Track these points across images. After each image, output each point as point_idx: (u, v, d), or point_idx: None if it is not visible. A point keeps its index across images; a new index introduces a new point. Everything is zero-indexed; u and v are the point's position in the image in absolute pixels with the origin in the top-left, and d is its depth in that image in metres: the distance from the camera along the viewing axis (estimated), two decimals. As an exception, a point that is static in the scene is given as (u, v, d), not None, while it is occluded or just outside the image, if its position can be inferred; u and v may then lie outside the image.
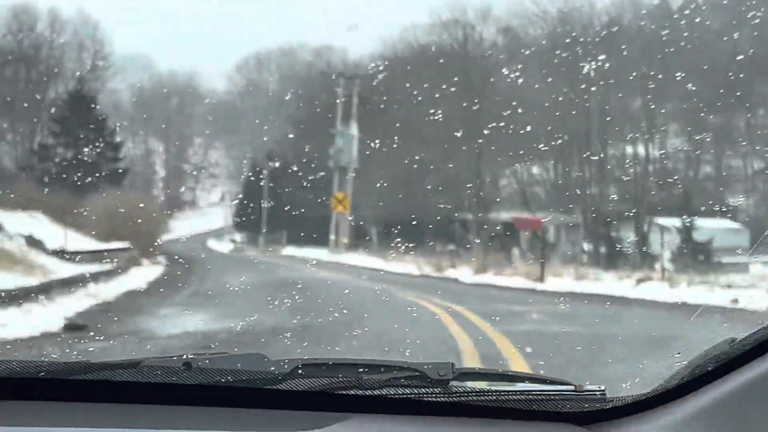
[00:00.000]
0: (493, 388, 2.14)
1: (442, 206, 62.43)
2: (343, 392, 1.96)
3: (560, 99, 69.19)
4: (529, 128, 66.74)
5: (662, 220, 59.93)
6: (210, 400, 1.92)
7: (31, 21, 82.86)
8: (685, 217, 57.72)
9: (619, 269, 32.21)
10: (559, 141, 71.39)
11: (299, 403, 1.94)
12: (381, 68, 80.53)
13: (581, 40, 72.64)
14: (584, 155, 69.40)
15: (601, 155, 67.24)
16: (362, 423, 1.88)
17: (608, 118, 66.13)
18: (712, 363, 1.88)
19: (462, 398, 1.94)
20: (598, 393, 2.04)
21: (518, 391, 2.04)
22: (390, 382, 2.00)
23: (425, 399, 1.96)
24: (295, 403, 1.94)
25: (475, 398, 1.94)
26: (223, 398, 1.93)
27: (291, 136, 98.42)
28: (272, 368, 2.06)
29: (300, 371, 2.04)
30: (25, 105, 78.96)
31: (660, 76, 65.21)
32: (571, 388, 2.10)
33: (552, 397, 1.98)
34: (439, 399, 1.96)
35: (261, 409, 1.93)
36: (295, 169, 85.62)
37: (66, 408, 1.89)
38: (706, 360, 1.89)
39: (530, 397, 1.97)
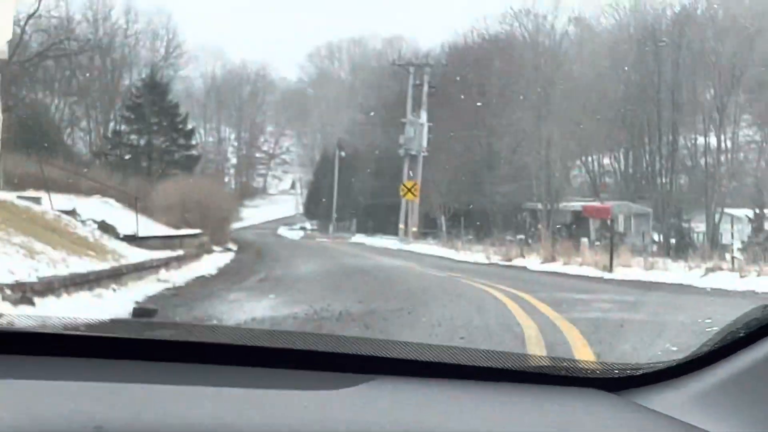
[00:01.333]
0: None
1: (511, 195, 62.24)
2: (365, 353, 1.96)
3: (631, 89, 68.66)
4: (599, 118, 66.33)
5: (733, 210, 59.27)
6: (231, 358, 1.94)
7: (106, 10, 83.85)
8: (756, 207, 57.05)
9: (688, 259, 31.85)
10: (630, 131, 70.83)
11: (321, 363, 1.94)
12: (452, 58, 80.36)
13: (653, 29, 71.94)
14: (655, 145, 68.77)
15: (672, 145, 66.56)
16: (384, 384, 1.87)
17: (679, 109, 65.40)
18: (743, 329, 1.87)
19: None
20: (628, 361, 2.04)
21: (547, 356, 2.04)
22: (417, 346, 2.01)
23: (449, 361, 1.96)
24: (317, 364, 1.94)
25: (502, 362, 1.95)
26: (243, 357, 1.94)
27: (361, 124, 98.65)
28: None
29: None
30: (100, 92, 79.89)
31: (732, 66, 64.39)
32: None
33: (581, 363, 1.98)
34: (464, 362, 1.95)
35: (280, 368, 1.92)
36: (365, 157, 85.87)
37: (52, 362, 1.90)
38: (738, 327, 1.89)
39: (558, 363, 1.97)
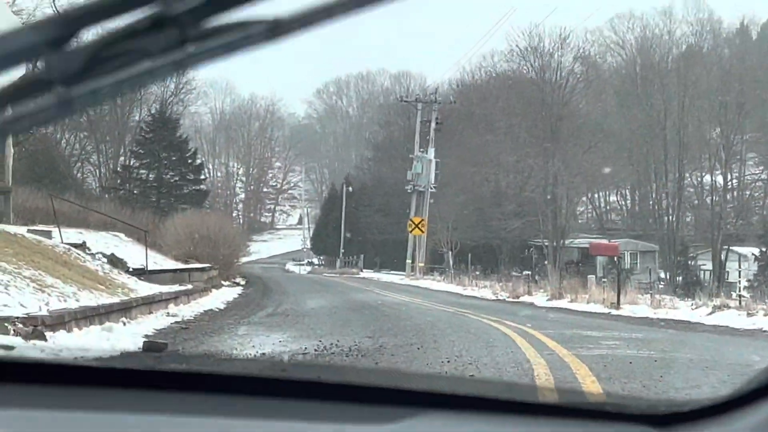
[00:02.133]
0: None
1: (518, 231, 62.25)
2: (409, 388, 1.93)
3: (637, 127, 68.83)
4: (606, 155, 66.40)
5: (740, 249, 59.22)
6: (274, 391, 1.88)
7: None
8: (762, 245, 56.98)
9: (695, 296, 31.82)
10: (636, 168, 70.94)
11: (366, 396, 1.90)
12: (459, 94, 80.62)
13: (659, 68, 72.19)
14: (661, 183, 68.83)
15: (678, 183, 66.62)
16: (431, 419, 1.85)
17: (685, 146, 65.49)
18: None
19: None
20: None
21: (591, 392, 2.07)
22: (456, 380, 2.02)
23: (494, 396, 1.94)
24: (362, 397, 1.89)
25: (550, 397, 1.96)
26: (286, 389, 1.89)
27: (369, 160, 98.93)
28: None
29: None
30: (110, 127, 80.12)
31: (739, 104, 64.56)
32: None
33: (626, 399, 2.00)
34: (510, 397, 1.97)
35: (323, 401, 1.87)
36: (372, 192, 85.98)
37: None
38: None
39: (603, 398, 1.99)
